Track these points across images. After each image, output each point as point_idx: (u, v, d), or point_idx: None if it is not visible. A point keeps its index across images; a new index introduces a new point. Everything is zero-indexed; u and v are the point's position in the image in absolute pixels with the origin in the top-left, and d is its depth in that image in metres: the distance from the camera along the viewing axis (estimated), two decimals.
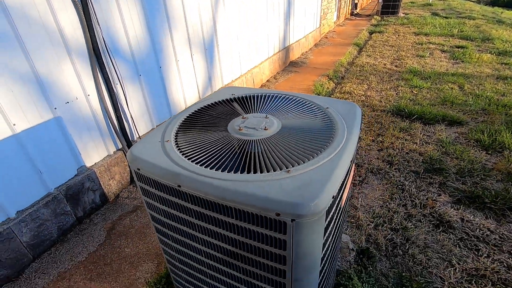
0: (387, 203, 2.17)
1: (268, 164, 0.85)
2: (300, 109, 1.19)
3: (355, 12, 11.67)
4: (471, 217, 2.01)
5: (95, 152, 2.19)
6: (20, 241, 1.76)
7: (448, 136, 2.96)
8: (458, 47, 6.11)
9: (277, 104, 1.24)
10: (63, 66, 1.87)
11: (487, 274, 1.64)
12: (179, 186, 0.84)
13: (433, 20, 8.91)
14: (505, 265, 1.69)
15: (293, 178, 0.78)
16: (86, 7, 1.88)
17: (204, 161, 0.89)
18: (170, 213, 0.98)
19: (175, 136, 1.05)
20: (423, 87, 4.19)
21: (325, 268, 0.97)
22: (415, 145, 2.85)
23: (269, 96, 1.31)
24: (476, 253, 1.77)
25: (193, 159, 0.90)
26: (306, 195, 0.73)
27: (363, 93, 4.11)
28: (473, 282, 1.61)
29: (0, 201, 1.66)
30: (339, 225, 1.05)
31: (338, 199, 0.86)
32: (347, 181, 0.94)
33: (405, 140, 2.95)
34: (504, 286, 1.58)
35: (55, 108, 1.86)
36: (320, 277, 0.93)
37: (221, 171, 0.83)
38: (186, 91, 3.03)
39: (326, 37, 7.68)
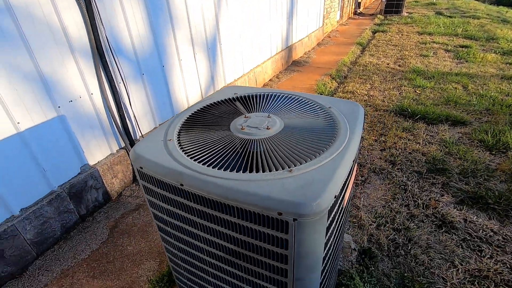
0: (390, 203, 2.17)
1: (271, 164, 0.85)
2: (302, 108, 1.19)
3: (358, 11, 11.62)
4: (474, 218, 2.00)
5: (98, 151, 2.20)
6: (24, 239, 1.77)
7: (451, 136, 2.95)
8: (462, 46, 6.07)
9: (280, 104, 1.24)
10: (67, 65, 1.88)
11: (490, 275, 1.63)
12: (181, 184, 0.85)
13: (437, 19, 8.85)
14: (508, 266, 1.68)
15: (295, 177, 0.78)
16: (89, 7, 1.89)
17: (207, 160, 0.89)
18: (173, 212, 0.98)
19: (178, 135, 1.05)
20: (427, 86, 4.17)
21: (327, 267, 0.97)
22: (418, 145, 2.83)
23: (271, 95, 1.31)
24: (479, 254, 1.76)
25: (195, 158, 0.90)
26: (308, 194, 0.73)
27: (366, 92, 4.09)
28: (475, 283, 1.60)
29: (5, 199, 1.67)
30: (341, 224, 1.05)
31: (340, 199, 0.86)
32: (349, 181, 0.94)
33: (408, 140, 2.93)
34: None
35: (59, 107, 1.87)
36: (322, 277, 0.93)
37: (224, 170, 0.83)
38: (189, 90, 3.03)
39: (329, 37, 7.66)
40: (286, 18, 5.03)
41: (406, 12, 10.69)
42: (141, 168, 0.94)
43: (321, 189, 0.74)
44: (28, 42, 1.66)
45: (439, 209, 2.08)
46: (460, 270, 1.67)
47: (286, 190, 0.74)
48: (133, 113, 2.42)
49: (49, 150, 1.86)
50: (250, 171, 0.83)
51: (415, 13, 10.51)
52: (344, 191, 0.88)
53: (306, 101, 1.24)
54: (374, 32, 7.97)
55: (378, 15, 10.30)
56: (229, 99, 1.30)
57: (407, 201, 2.18)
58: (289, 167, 0.82)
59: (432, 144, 2.84)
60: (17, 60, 1.62)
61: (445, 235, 1.89)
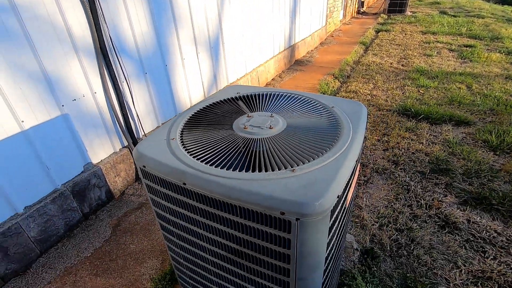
0: (392, 203, 2.16)
1: (273, 163, 0.85)
2: (305, 108, 1.19)
3: (362, 10, 11.57)
4: (478, 219, 1.98)
5: (101, 149, 2.21)
6: (28, 236, 1.79)
7: (455, 137, 2.93)
8: (466, 46, 6.02)
9: (283, 103, 1.24)
10: (70, 64, 1.89)
11: (494, 276, 1.62)
12: (184, 183, 0.85)
13: (441, 19, 8.79)
14: None
15: (298, 177, 0.78)
16: (93, 6, 1.90)
17: (210, 159, 0.89)
18: (175, 211, 0.98)
19: (181, 134, 1.05)
20: (430, 86, 4.15)
21: (329, 267, 0.97)
22: (421, 145, 2.82)
23: (274, 94, 1.31)
24: (483, 255, 1.75)
25: (198, 157, 0.91)
26: (311, 194, 0.72)
27: (369, 92, 4.08)
28: (479, 284, 1.59)
29: (9, 197, 1.69)
30: (344, 224, 1.04)
31: (343, 198, 0.86)
32: (352, 181, 0.94)
33: (411, 140, 2.92)
34: None
35: (63, 106, 1.88)
36: (324, 276, 0.93)
37: (226, 170, 0.83)
38: (192, 90, 3.04)
39: (332, 36, 7.64)
40: (289, 17, 5.02)
41: (410, 11, 10.63)
42: (144, 167, 0.94)
43: (324, 189, 0.74)
44: (33, 41, 1.67)
45: (442, 210, 2.07)
46: (463, 271, 1.66)
47: (289, 189, 0.74)
48: (136, 112, 2.43)
49: (53, 149, 1.87)
50: (253, 171, 0.83)
51: (419, 12, 10.44)
52: (347, 191, 0.87)
53: (309, 101, 1.24)
54: (377, 32, 7.93)
55: (382, 14, 10.25)
56: (232, 98, 1.30)
57: (410, 201, 2.17)
58: (291, 167, 0.82)
59: (435, 144, 2.82)
60: (21, 59, 1.63)
61: (448, 236, 1.88)
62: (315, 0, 6.12)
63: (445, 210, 2.06)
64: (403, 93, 3.99)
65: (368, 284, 1.56)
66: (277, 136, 0.99)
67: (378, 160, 2.66)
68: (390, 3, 10.25)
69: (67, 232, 2.03)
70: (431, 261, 1.72)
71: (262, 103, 1.25)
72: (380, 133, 3.08)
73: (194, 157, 0.91)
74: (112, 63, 2.12)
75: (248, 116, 1.11)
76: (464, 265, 1.69)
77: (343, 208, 0.91)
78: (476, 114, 3.34)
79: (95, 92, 2.07)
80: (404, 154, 2.71)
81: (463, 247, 1.80)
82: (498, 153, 2.65)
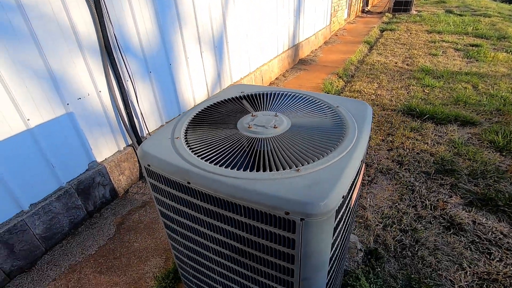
0: (397, 204, 2.14)
1: (278, 163, 0.85)
2: (310, 107, 1.18)
3: (366, 9, 11.49)
4: (484, 220, 1.96)
5: (106, 148, 2.22)
6: (33, 234, 1.80)
7: (460, 137, 2.90)
8: (472, 45, 5.96)
9: (287, 102, 1.23)
10: (75, 63, 1.90)
11: (499, 278, 1.60)
12: (188, 182, 0.85)
13: (447, 18, 8.71)
14: None
15: (302, 177, 0.78)
16: (98, 4, 1.90)
17: (214, 158, 0.89)
18: (179, 210, 0.99)
19: (185, 133, 1.05)
20: (435, 86, 4.11)
21: (333, 267, 0.96)
22: (426, 145, 2.79)
23: (278, 94, 1.31)
24: (488, 257, 1.73)
25: (202, 156, 0.90)
26: (315, 194, 0.72)
27: (373, 92, 4.05)
28: (484, 286, 1.57)
29: (15, 194, 1.70)
30: (348, 225, 1.04)
31: (348, 199, 0.85)
32: (357, 181, 0.93)
33: (416, 140, 2.90)
34: None
35: (68, 104, 1.90)
36: (328, 277, 0.93)
37: (231, 169, 0.83)
38: (195, 88, 3.04)
39: (336, 35, 7.60)
40: (293, 16, 5.00)
41: (415, 11, 10.54)
42: (149, 165, 0.95)
43: (329, 189, 0.73)
44: (38, 40, 1.68)
45: (447, 211, 2.05)
46: (468, 272, 1.65)
47: (294, 189, 0.74)
48: (140, 111, 2.44)
49: (58, 147, 1.88)
50: (257, 170, 0.82)
51: (424, 11, 10.35)
52: (352, 191, 0.87)
53: (313, 100, 1.23)
54: (382, 31, 7.87)
55: (386, 13, 10.17)
56: (236, 97, 1.30)
57: (415, 202, 2.15)
58: (296, 167, 0.82)
59: (440, 145, 2.80)
60: (27, 57, 1.65)
61: (453, 237, 1.86)
62: None
63: (450, 211, 2.04)
64: (408, 93, 3.96)
65: (372, 285, 1.56)
66: (281, 135, 0.99)
67: (383, 160, 2.64)
68: (395, 2, 10.17)
69: (71, 230, 2.05)
70: (436, 263, 1.70)
71: (266, 103, 1.24)
72: (384, 133, 3.06)
73: (198, 156, 0.91)
74: (116, 61, 2.12)
75: (252, 116, 1.11)
76: (469, 267, 1.67)
77: (348, 209, 0.90)
78: (482, 114, 3.30)
79: (100, 91, 2.08)
80: (409, 154, 2.69)
81: (468, 248, 1.78)
82: (504, 153, 2.62)
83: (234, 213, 0.82)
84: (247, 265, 0.93)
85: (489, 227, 1.91)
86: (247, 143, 0.96)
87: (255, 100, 1.28)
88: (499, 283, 1.58)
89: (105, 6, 1.98)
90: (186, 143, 0.98)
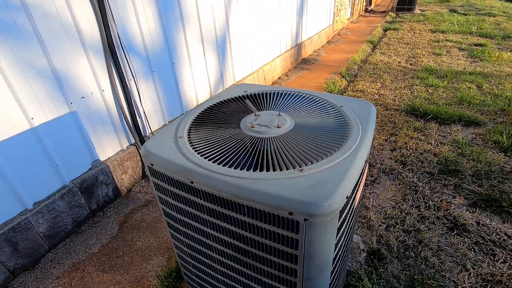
0: (400, 204, 2.13)
1: (281, 163, 0.84)
2: (313, 107, 1.18)
3: (370, 8, 11.44)
4: (488, 221, 1.95)
5: (109, 147, 2.23)
6: (37, 232, 1.81)
7: (464, 137, 2.88)
8: (476, 45, 5.91)
9: (290, 102, 1.23)
10: (79, 62, 1.90)
11: (504, 280, 1.59)
12: (191, 182, 0.85)
13: (451, 17, 8.64)
14: None
15: (306, 177, 0.78)
16: (102, 4, 1.91)
17: (217, 158, 0.89)
18: (182, 209, 0.99)
19: (188, 132, 1.05)
20: (439, 86, 4.08)
21: (336, 268, 0.96)
22: (429, 145, 2.78)
23: (281, 93, 1.30)
24: (492, 258, 1.72)
25: (206, 155, 0.90)
26: (319, 194, 0.72)
27: (376, 91, 4.03)
28: (488, 287, 1.56)
29: (19, 193, 1.71)
30: (352, 225, 1.03)
31: (352, 199, 0.85)
32: (360, 181, 0.93)
33: (419, 140, 2.88)
34: None
35: (71, 103, 1.90)
36: (331, 277, 0.92)
37: (234, 169, 0.83)
38: (198, 88, 3.04)
39: (339, 34, 7.57)
40: (296, 15, 4.98)
41: (419, 10, 10.48)
42: (152, 165, 0.95)
43: (333, 189, 0.73)
44: (42, 39, 1.69)
45: (451, 211, 2.04)
46: (472, 274, 1.64)
47: (297, 189, 0.74)
48: (143, 110, 2.45)
49: (62, 146, 1.89)
50: (261, 170, 0.82)
51: (428, 11, 10.28)
52: (355, 191, 0.86)
53: (316, 100, 1.22)
54: (385, 30, 7.83)
55: (390, 13, 10.12)
56: (239, 97, 1.30)
57: (418, 202, 2.14)
58: (300, 167, 0.82)
59: (444, 145, 2.78)
60: (31, 56, 1.65)
61: (457, 238, 1.85)
62: None
63: (453, 212, 2.03)
64: (411, 93, 3.94)
65: (374, 285, 1.55)
66: (285, 135, 0.99)
67: (386, 160, 2.63)
68: (399, 1, 10.11)
69: (75, 228, 2.06)
70: (439, 263, 1.69)
71: (269, 102, 1.24)
72: (387, 133, 3.04)
73: (201, 155, 0.90)
74: (120, 60, 2.13)
75: (255, 115, 1.11)
76: (473, 268, 1.66)
77: (351, 209, 0.90)
78: (486, 115, 3.28)
79: (103, 90, 2.09)
80: (412, 154, 2.67)
81: (472, 249, 1.77)
82: (509, 154, 2.60)
83: (237, 213, 0.82)
84: (250, 265, 0.93)
85: (493, 228, 1.90)
86: (250, 142, 0.96)
87: (258, 99, 1.27)
88: (503, 285, 1.57)
89: (109, 5, 1.98)
90: (189, 143, 0.98)
